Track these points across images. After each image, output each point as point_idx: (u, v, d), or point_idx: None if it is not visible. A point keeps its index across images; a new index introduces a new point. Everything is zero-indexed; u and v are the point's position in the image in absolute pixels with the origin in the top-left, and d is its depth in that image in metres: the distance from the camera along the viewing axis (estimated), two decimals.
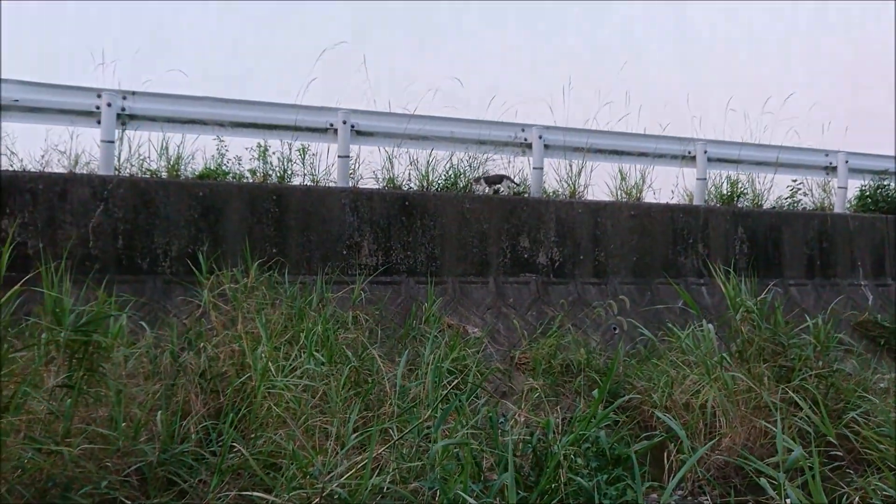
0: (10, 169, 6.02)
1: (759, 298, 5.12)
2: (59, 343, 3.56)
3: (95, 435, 3.43)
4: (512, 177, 7.57)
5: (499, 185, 7.34)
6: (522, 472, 3.25)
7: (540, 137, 7.50)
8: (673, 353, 5.45)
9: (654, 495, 3.89)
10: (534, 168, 7.54)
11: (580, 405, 4.46)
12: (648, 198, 8.05)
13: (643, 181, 7.98)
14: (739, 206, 8.49)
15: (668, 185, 8.44)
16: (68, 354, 3.59)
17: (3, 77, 6.16)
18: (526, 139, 7.55)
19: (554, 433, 3.36)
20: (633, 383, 5.44)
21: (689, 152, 8.22)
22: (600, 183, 8.21)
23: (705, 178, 8.27)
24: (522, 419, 4.26)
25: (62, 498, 3.04)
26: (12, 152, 6.22)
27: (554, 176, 7.79)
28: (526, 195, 7.53)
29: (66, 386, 3.48)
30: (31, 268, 5.32)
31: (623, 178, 7.94)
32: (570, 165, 7.70)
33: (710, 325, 4.90)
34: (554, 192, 7.79)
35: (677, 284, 6.59)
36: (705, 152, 8.19)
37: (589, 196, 7.80)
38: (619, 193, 7.94)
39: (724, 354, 4.77)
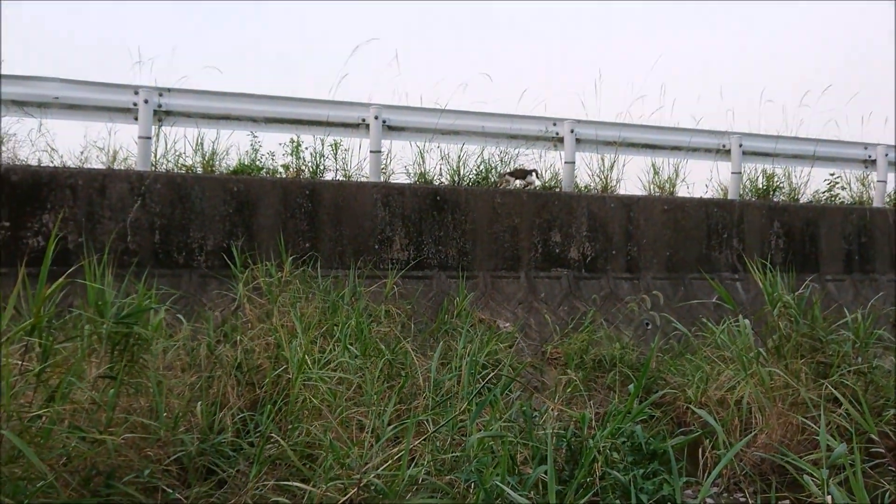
0: (51, 165, 6.15)
1: (796, 294, 5.04)
2: (101, 335, 3.63)
3: (136, 425, 3.51)
4: (539, 171, 7.52)
5: (523, 181, 7.29)
6: (557, 465, 3.25)
7: (572, 131, 7.46)
8: (707, 348, 5.39)
9: (689, 490, 3.87)
10: (565, 162, 7.51)
11: (614, 400, 4.44)
12: (682, 192, 7.98)
13: (676, 175, 7.90)
14: (775, 200, 8.36)
15: (702, 180, 8.36)
16: (110, 346, 3.66)
17: (44, 75, 6.30)
18: (557, 133, 7.51)
19: (588, 428, 3.35)
20: (667, 379, 5.40)
21: (724, 146, 8.11)
22: (633, 177, 8.17)
23: (740, 172, 8.16)
24: (556, 413, 4.25)
25: (106, 485, 3.11)
26: (53, 149, 6.37)
27: (586, 170, 7.75)
28: (557, 189, 7.50)
29: (107, 377, 3.55)
30: (72, 262, 5.44)
31: (656, 173, 7.87)
32: (603, 160, 7.65)
33: (747, 321, 4.83)
34: (586, 187, 7.74)
35: (712, 279, 6.51)
36: (740, 146, 8.07)
37: (621, 190, 7.74)
38: (651, 188, 7.87)
39: (761, 350, 4.70)
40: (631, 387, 3.28)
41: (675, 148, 7.96)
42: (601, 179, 7.65)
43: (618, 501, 2.71)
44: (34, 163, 6.20)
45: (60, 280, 3.22)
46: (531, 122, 7.49)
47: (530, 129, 7.48)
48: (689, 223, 7.45)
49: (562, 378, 5.28)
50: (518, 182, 7.26)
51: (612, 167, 7.64)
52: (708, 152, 8.14)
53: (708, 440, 4.19)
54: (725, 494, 4.14)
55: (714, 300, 7.13)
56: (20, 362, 3.16)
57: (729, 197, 8.14)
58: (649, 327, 6.79)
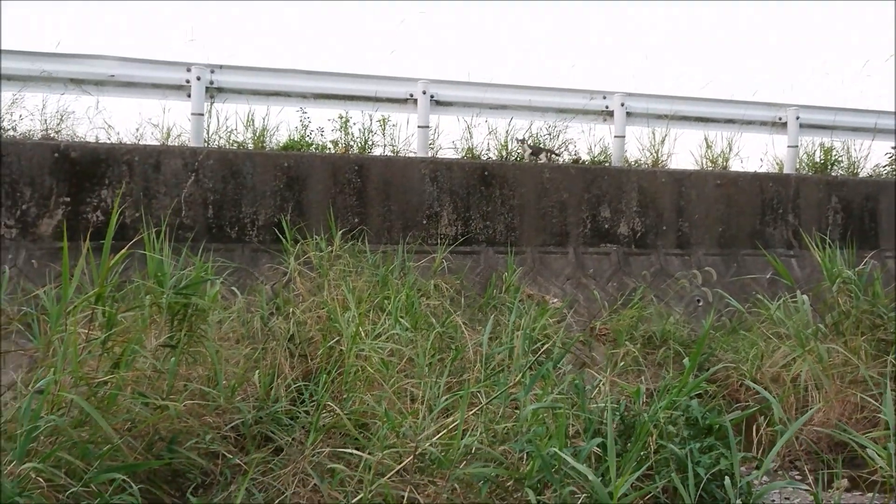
0: (108, 142, 6.30)
1: (856, 269, 4.90)
2: (160, 305, 3.73)
3: (195, 393, 3.61)
4: (553, 149, 7.38)
5: (538, 157, 7.15)
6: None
7: (622, 105, 7.32)
8: (762, 325, 5.29)
9: (744, 468, 3.82)
10: (615, 136, 7.38)
11: (666, 376, 4.39)
12: (735, 166, 7.79)
13: (730, 149, 7.71)
14: (833, 174, 8.10)
15: (756, 154, 8.15)
16: (169, 316, 3.76)
17: (98, 53, 6.44)
18: (607, 106, 7.39)
19: (641, 402, 3.33)
20: (719, 356, 5.32)
21: (780, 118, 7.87)
22: (684, 151, 8.00)
23: (797, 146, 7.92)
24: (607, 388, 4.23)
25: (168, 450, 3.22)
26: (109, 126, 6.51)
27: (636, 144, 7.62)
28: (606, 164, 7.39)
29: (168, 346, 3.66)
30: (129, 236, 5.59)
31: (709, 146, 7.69)
32: (653, 133, 7.51)
33: (805, 297, 4.72)
34: (636, 162, 7.61)
35: (767, 256, 6.37)
36: (797, 118, 7.82)
37: (672, 165, 7.59)
38: (704, 162, 7.70)
39: (820, 326, 4.59)
40: (686, 361, 3.24)
41: (729, 121, 7.76)
42: (652, 154, 7.52)
43: (673, 474, 2.69)
44: (92, 140, 6.37)
45: (123, 251, 3.31)
46: (580, 96, 7.37)
47: (579, 102, 7.37)
48: (743, 198, 7.28)
49: (614, 353, 5.24)
50: (533, 157, 7.12)
51: (663, 141, 7.50)
52: (763, 125, 7.91)
53: (763, 417, 4.14)
54: (781, 472, 4.08)
55: (768, 276, 6.99)
56: (86, 331, 3.27)
57: (784, 171, 7.92)
58: (700, 304, 6.68)
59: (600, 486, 2.40)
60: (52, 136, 6.24)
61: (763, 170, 8.03)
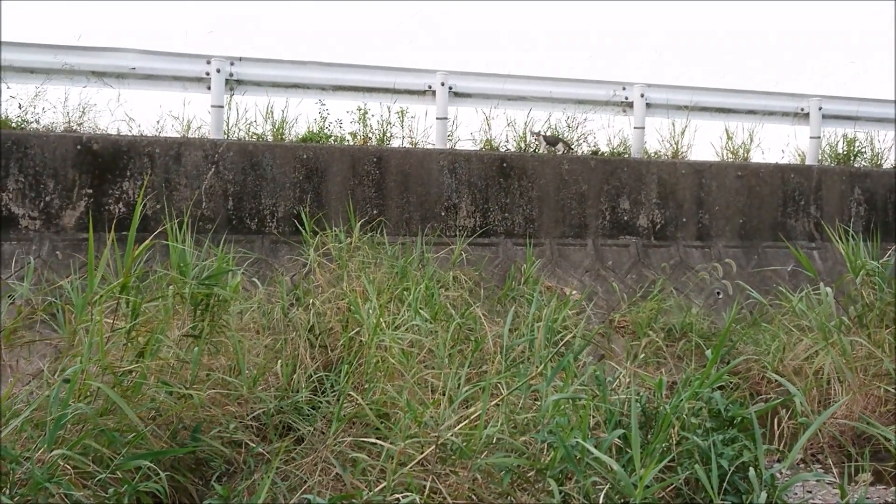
0: (130, 134, 6.35)
1: (881, 261, 4.85)
2: (183, 295, 3.77)
3: (217, 382, 3.64)
4: (568, 140, 7.31)
5: (555, 147, 7.08)
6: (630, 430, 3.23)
7: (642, 96, 7.27)
8: (784, 317, 5.24)
9: (766, 461, 3.80)
10: (635, 128, 7.34)
11: (687, 369, 4.37)
12: (756, 157, 7.72)
13: (751, 140, 7.64)
14: (856, 165, 8.00)
15: (778, 145, 8.06)
16: (192, 306, 3.80)
17: (120, 46, 6.49)
18: (627, 98, 7.34)
19: (663, 394, 3.31)
20: (740, 348, 5.28)
21: (802, 109, 7.78)
22: (705, 143, 7.93)
23: (819, 137, 7.83)
24: (627, 380, 4.21)
25: (192, 438, 3.25)
26: (131, 118, 6.56)
27: (655, 136, 7.57)
28: (626, 156, 7.35)
29: (191, 335, 3.69)
30: (150, 228, 5.64)
31: (730, 138, 7.63)
32: (673, 125, 7.45)
33: (829, 289, 4.67)
34: (655, 153, 7.56)
35: (789, 247, 6.32)
36: (820, 109, 7.73)
37: (692, 156, 7.53)
38: (724, 153, 7.64)
39: (843, 318, 4.55)
40: (709, 352, 3.22)
41: (750, 112, 7.69)
42: (671, 145, 7.47)
43: (697, 465, 2.68)
44: (113, 132, 6.42)
45: (147, 242, 3.34)
46: (599, 87, 7.33)
47: (598, 93, 7.32)
48: (764, 190, 7.21)
49: (634, 344, 5.22)
50: (550, 147, 7.06)
51: (683, 132, 7.44)
52: (785, 116, 7.83)
53: (784, 410, 4.11)
54: (803, 465, 4.05)
55: (789, 269, 6.93)
56: (111, 321, 3.31)
57: (807, 162, 7.83)
58: (720, 296, 6.64)
59: (625, 477, 2.39)
60: (74, 128, 6.30)
61: (785, 161, 7.96)
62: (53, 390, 2.65)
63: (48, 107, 6.35)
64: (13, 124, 6.23)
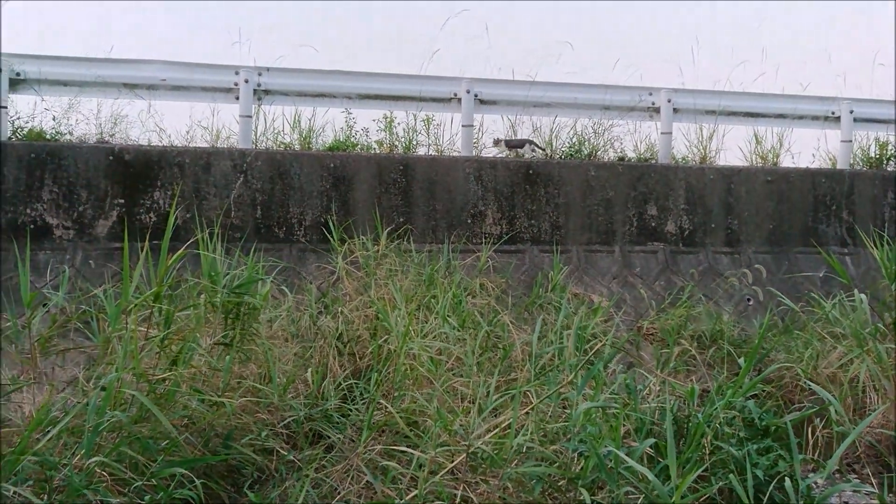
0: (160, 144, 6.45)
1: None
2: (214, 304, 3.81)
3: (248, 390, 3.67)
4: (537, 141, 7.20)
5: (521, 150, 6.98)
6: (663, 439, 3.20)
7: (669, 101, 7.22)
8: (817, 324, 5.16)
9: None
10: (662, 133, 7.28)
11: (719, 377, 4.32)
12: (786, 162, 7.61)
13: (780, 144, 7.54)
14: (889, 169, 7.86)
15: (808, 149, 7.93)
16: (223, 315, 3.83)
17: (150, 58, 6.60)
18: (653, 103, 7.29)
19: (695, 402, 3.28)
20: (772, 356, 5.20)
21: (833, 113, 7.67)
22: (733, 147, 7.83)
23: (851, 140, 7.70)
24: (657, 388, 4.17)
25: (224, 446, 3.28)
26: (161, 129, 6.66)
27: (683, 141, 7.50)
28: (653, 161, 7.30)
29: (222, 343, 3.73)
30: (180, 237, 5.71)
31: (758, 142, 7.53)
32: (701, 129, 7.38)
33: (863, 295, 4.59)
34: (683, 158, 7.50)
35: (821, 253, 6.22)
36: (851, 112, 7.61)
37: (721, 161, 7.46)
38: (753, 158, 7.55)
39: (879, 325, 4.46)
40: (742, 360, 3.18)
41: (780, 116, 7.59)
42: (699, 150, 7.40)
43: (731, 475, 2.64)
44: (144, 142, 6.52)
45: (180, 252, 3.38)
46: (625, 93, 7.28)
47: (624, 99, 7.28)
48: (794, 195, 7.11)
49: (664, 352, 5.17)
50: (510, 152, 6.96)
51: (710, 137, 7.37)
52: (815, 120, 7.71)
53: (818, 419, 4.03)
54: (838, 475, 3.98)
55: (821, 275, 6.82)
56: (145, 329, 3.35)
57: (838, 167, 7.71)
58: (751, 303, 6.55)
59: (661, 487, 2.37)
60: (106, 139, 6.41)
61: (815, 165, 7.84)
62: (91, 399, 2.69)
63: (81, 118, 6.48)
64: (48, 136, 6.35)
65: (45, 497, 2.43)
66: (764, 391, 4.27)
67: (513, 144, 6.95)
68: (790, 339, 5.28)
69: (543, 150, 7.05)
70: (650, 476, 2.36)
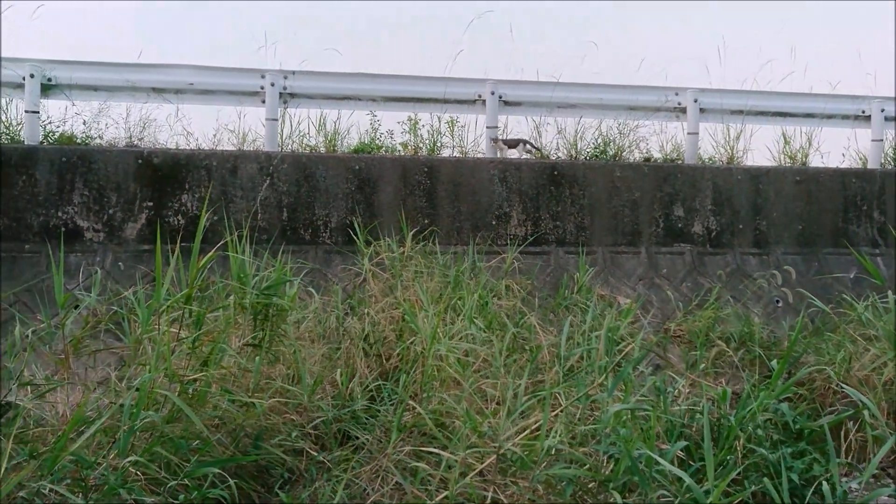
0: (188, 148, 6.52)
1: None
2: (244, 306, 3.84)
3: (276, 391, 3.69)
4: (532, 140, 7.13)
5: (515, 149, 6.92)
6: (693, 442, 3.17)
7: (695, 101, 7.16)
8: (849, 325, 5.08)
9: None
10: (688, 133, 7.22)
11: (749, 378, 4.26)
12: (815, 162, 7.51)
13: (809, 144, 7.45)
14: None
15: (837, 149, 7.81)
16: (252, 316, 3.87)
17: (177, 63, 6.68)
18: (680, 103, 7.23)
19: (728, 405, 3.24)
20: (802, 359, 5.13)
21: (863, 111, 7.55)
22: (760, 147, 7.75)
23: (882, 139, 7.58)
24: (686, 390, 4.14)
25: (254, 446, 3.30)
26: (188, 132, 6.75)
27: (709, 141, 7.43)
28: (679, 162, 7.24)
29: (252, 345, 3.76)
30: (208, 239, 5.75)
31: (787, 142, 7.45)
32: (728, 129, 7.31)
33: None
34: (710, 159, 7.43)
35: (852, 254, 6.12)
36: (882, 111, 7.49)
37: (748, 161, 7.38)
38: (781, 158, 7.46)
39: None
40: (774, 363, 3.14)
41: (808, 115, 7.49)
42: (726, 150, 7.32)
43: (766, 479, 2.61)
44: (172, 146, 6.60)
45: (211, 254, 3.42)
46: (651, 93, 7.24)
47: (650, 99, 7.23)
48: (824, 195, 7.01)
49: (693, 354, 5.12)
50: (511, 151, 6.90)
51: (738, 137, 7.30)
52: (845, 119, 7.60)
53: (852, 422, 3.97)
54: (872, 479, 3.91)
55: (852, 276, 6.71)
56: (177, 330, 3.39)
57: (869, 166, 7.59)
58: (780, 304, 6.47)
59: (697, 490, 2.34)
60: (135, 143, 6.50)
61: (845, 165, 7.73)
62: (126, 399, 2.72)
63: (111, 123, 6.59)
64: (78, 140, 6.46)
65: (81, 495, 2.46)
66: (797, 394, 4.21)
67: (510, 144, 6.93)
68: (821, 341, 5.21)
69: (538, 149, 7.01)
70: (686, 478, 2.34)
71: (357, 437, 3.55)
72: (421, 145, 7.02)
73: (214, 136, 6.82)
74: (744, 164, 7.31)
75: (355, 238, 5.95)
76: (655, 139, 7.38)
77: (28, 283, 5.42)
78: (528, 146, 6.93)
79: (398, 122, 7.12)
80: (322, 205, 6.22)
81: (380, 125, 7.13)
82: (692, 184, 6.79)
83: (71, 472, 2.59)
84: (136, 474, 2.69)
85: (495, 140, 6.94)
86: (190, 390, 3.20)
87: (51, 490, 2.39)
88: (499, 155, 6.91)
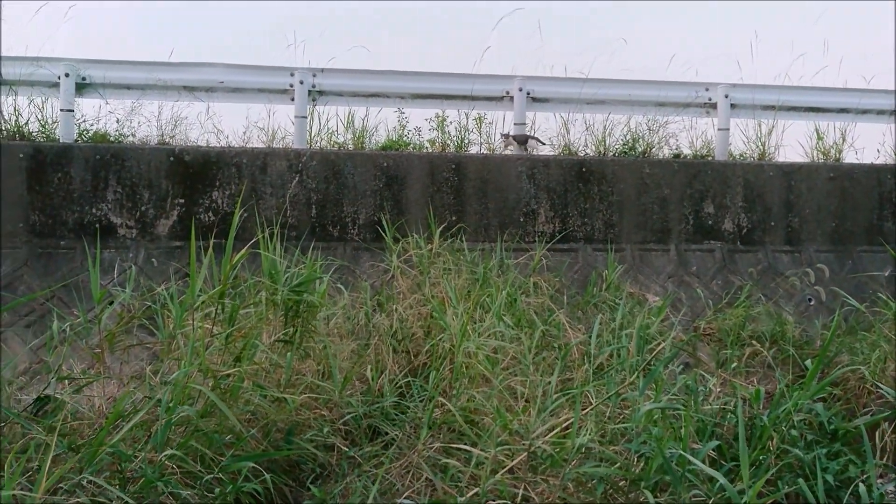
0: (218, 145, 6.59)
1: None
2: (275, 302, 3.88)
3: (307, 386, 3.73)
4: (539, 136, 7.03)
5: (525, 145, 6.83)
6: (725, 441, 3.14)
7: (726, 96, 7.07)
8: (884, 324, 4.99)
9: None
10: (719, 129, 7.13)
11: (781, 378, 4.21)
12: (849, 158, 7.37)
13: (843, 140, 7.31)
14: None
15: (872, 144, 7.65)
16: (283, 312, 3.91)
17: (208, 62, 6.76)
18: (710, 99, 7.15)
19: (761, 404, 3.21)
20: (836, 358, 5.05)
21: None
22: (793, 143, 7.61)
23: None
24: (717, 389, 4.10)
25: (286, 441, 3.34)
26: (219, 130, 6.81)
27: (741, 137, 7.33)
28: (709, 158, 7.16)
29: (283, 341, 3.80)
30: (238, 236, 5.80)
31: (820, 138, 7.31)
32: (759, 125, 7.21)
33: None
34: (741, 155, 7.33)
35: (887, 251, 6.02)
36: None
37: (780, 158, 7.27)
38: (815, 154, 7.33)
39: None
40: (808, 362, 3.10)
41: (842, 110, 7.35)
42: (758, 146, 7.22)
43: (800, 480, 2.58)
44: (203, 144, 6.68)
45: (243, 251, 3.46)
46: (681, 89, 7.16)
47: (680, 95, 7.15)
48: (858, 192, 6.89)
49: (724, 353, 5.07)
50: (517, 147, 6.81)
51: (770, 133, 7.19)
52: (881, 114, 7.45)
53: (886, 423, 3.90)
54: None
55: (886, 274, 6.60)
56: (210, 326, 3.44)
57: None
58: (812, 303, 6.37)
59: (732, 491, 2.32)
60: (167, 141, 6.59)
61: (880, 161, 7.57)
62: (163, 394, 2.77)
63: (143, 121, 6.68)
64: (111, 138, 6.56)
65: (119, 488, 2.51)
66: (831, 394, 4.16)
67: (519, 140, 6.88)
68: (855, 340, 5.13)
69: (545, 144, 6.95)
70: (721, 479, 2.32)
71: (387, 433, 3.57)
72: (448, 142, 7.02)
73: (244, 133, 6.88)
74: (776, 160, 7.21)
75: (383, 235, 5.98)
76: (685, 135, 7.29)
77: (64, 280, 5.53)
78: (536, 141, 6.89)
79: (426, 119, 7.13)
80: (350, 202, 6.26)
81: (407, 122, 7.15)
82: (723, 180, 6.72)
83: (109, 465, 2.64)
84: (172, 468, 2.73)
85: (505, 136, 6.91)
86: (223, 385, 3.24)
87: (90, 482, 2.44)
88: (508, 151, 6.89)
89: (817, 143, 7.33)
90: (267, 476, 2.81)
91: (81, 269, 5.66)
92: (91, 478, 2.41)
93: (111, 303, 4.71)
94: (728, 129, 7.14)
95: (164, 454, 2.65)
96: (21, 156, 5.88)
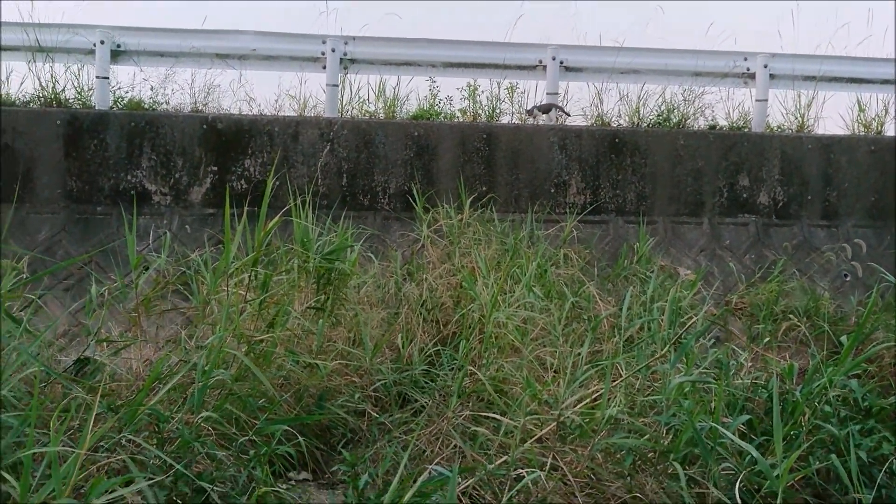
0: (250, 114, 6.62)
1: None
2: (307, 269, 3.92)
3: (338, 353, 3.78)
4: (563, 105, 6.91)
5: (545, 115, 6.70)
6: (756, 416, 3.13)
7: (765, 66, 6.89)
8: None
9: None
10: (756, 100, 6.98)
11: (815, 354, 4.16)
12: (891, 131, 7.17)
13: (885, 112, 7.10)
14: None
15: None
16: (315, 279, 3.95)
17: (241, 29, 6.75)
18: (748, 69, 6.98)
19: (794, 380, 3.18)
20: (872, 335, 4.97)
21: None
22: (833, 115, 7.41)
23: None
24: (749, 364, 4.06)
25: (317, 406, 3.40)
26: (251, 98, 6.83)
27: (779, 108, 7.16)
28: (746, 130, 7.01)
29: (315, 308, 3.84)
30: (270, 204, 5.84)
31: (862, 110, 7.11)
32: (799, 96, 7.03)
33: None
34: (778, 127, 7.17)
35: None
36: None
37: (819, 130, 7.09)
38: (855, 126, 7.14)
39: None
40: (844, 338, 3.06)
41: (885, 81, 7.12)
42: (797, 118, 7.05)
43: (833, 456, 2.56)
44: (235, 112, 6.71)
45: (276, 219, 3.49)
46: (718, 58, 6.99)
47: (717, 65, 6.99)
48: None
49: (757, 328, 5.03)
50: (543, 116, 6.69)
51: (809, 105, 7.01)
52: None
53: None
54: None
55: None
56: (244, 293, 3.49)
57: None
58: (847, 279, 6.26)
59: (765, 464, 2.32)
60: (200, 108, 6.63)
61: None
62: (200, 358, 2.83)
63: (177, 88, 6.72)
64: (146, 105, 6.62)
65: (156, 446, 2.58)
66: (865, 371, 4.10)
67: (542, 109, 6.77)
68: (892, 317, 5.03)
69: (569, 115, 6.84)
70: (753, 452, 2.31)
71: (416, 401, 3.62)
72: (480, 112, 6.96)
73: (276, 101, 6.89)
74: (815, 132, 7.04)
75: (413, 204, 5.98)
76: (721, 106, 7.13)
77: (101, 245, 5.63)
78: (559, 111, 6.78)
79: (457, 89, 7.06)
80: (381, 171, 6.26)
81: (439, 91, 7.09)
82: (759, 152, 6.58)
83: (147, 426, 2.71)
84: (208, 429, 2.80)
85: (529, 111, 6.81)
86: (256, 351, 3.30)
87: (129, 441, 2.51)
88: (532, 121, 6.80)
89: (859, 115, 7.14)
90: (301, 440, 2.86)
91: (117, 234, 5.76)
92: (131, 436, 2.48)
93: (147, 268, 4.80)
94: (766, 101, 6.98)
95: (200, 416, 2.72)
96: (58, 122, 5.97)
